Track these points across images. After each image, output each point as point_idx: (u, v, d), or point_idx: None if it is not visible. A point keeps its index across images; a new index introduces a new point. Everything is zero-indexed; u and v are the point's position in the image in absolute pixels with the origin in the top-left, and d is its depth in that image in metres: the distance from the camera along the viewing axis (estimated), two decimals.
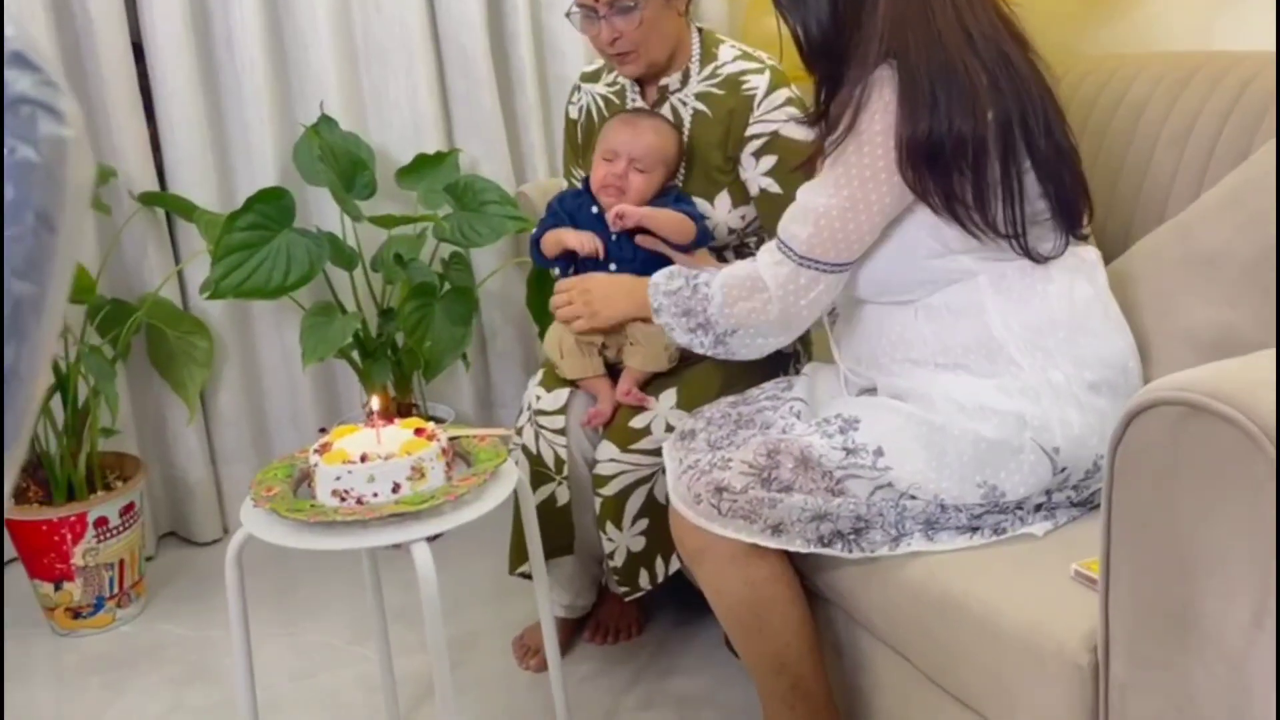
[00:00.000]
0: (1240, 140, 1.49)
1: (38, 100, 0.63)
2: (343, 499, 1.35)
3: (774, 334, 1.45)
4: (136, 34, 2.24)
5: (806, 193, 1.39)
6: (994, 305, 1.34)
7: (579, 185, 1.88)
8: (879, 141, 1.30)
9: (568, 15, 1.75)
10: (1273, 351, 1.03)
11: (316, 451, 1.40)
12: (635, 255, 1.72)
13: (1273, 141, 1.37)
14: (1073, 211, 1.37)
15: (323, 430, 1.50)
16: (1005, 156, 1.30)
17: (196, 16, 2.26)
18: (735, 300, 1.44)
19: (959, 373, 1.35)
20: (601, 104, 1.87)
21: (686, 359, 1.75)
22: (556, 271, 1.81)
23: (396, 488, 1.35)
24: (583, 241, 1.72)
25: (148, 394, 2.37)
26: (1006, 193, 1.31)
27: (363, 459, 1.35)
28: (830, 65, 1.38)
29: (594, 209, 1.76)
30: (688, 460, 1.44)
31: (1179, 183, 1.58)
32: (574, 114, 1.93)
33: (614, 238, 1.72)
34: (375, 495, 1.35)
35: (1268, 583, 0.90)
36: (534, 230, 1.84)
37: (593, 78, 1.91)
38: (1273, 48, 1.57)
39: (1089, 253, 1.40)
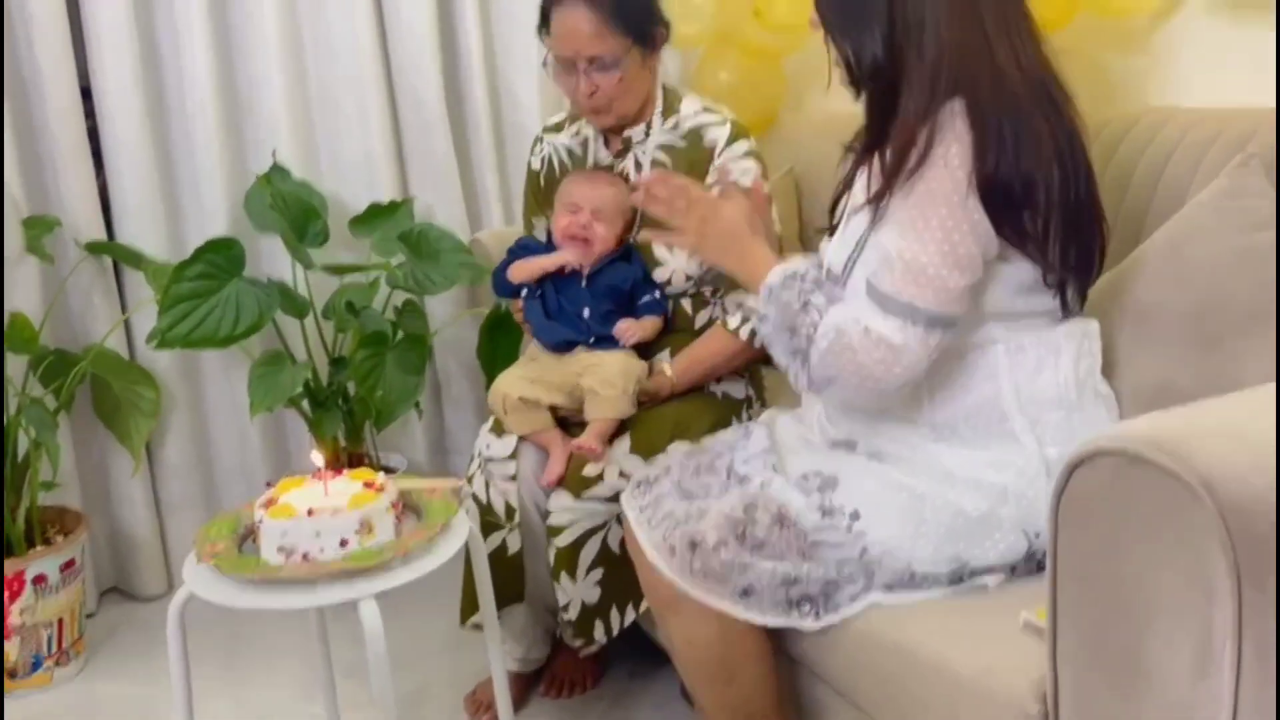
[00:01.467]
0: (1176, 191, 1.53)
1: None
2: (289, 555, 1.32)
3: (879, 397, 1.31)
4: (85, 79, 2.22)
5: (902, 244, 1.27)
6: (1007, 374, 1.33)
7: (539, 237, 1.90)
8: (972, 183, 1.24)
9: (544, 65, 1.79)
10: (1213, 401, 1.05)
11: (262, 506, 1.37)
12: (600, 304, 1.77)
13: (1204, 193, 1.41)
14: (1089, 271, 1.36)
15: (269, 484, 1.47)
16: (1065, 207, 1.29)
17: (146, 61, 2.24)
18: (843, 350, 1.29)
19: (952, 442, 1.34)
20: (564, 155, 1.90)
21: (641, 404, 1.75)
22: (524, 292, 1.84)
23: (344, 543, 1.33)
24: (563, 258, 1.78)
25: (91, 445, 2.32)
26: (1065, 242, 1.30)
27: (309, 513, 1.33)
28: (880, 88, 1.34)
29: None
30: (661, 509, 1.41)
31: (1117, 235, 1.61)
32: (536, 165, 1.95)
33: (582, 283, 1.78)
34: (322, 551, 1.32)
35: (1208, 630, 0.91)
36: (497, 265, 1.87)
37: (555, 129, 1.94)
38: (1204, 105, 1.63)
39: (1091, 325, 1.39)
